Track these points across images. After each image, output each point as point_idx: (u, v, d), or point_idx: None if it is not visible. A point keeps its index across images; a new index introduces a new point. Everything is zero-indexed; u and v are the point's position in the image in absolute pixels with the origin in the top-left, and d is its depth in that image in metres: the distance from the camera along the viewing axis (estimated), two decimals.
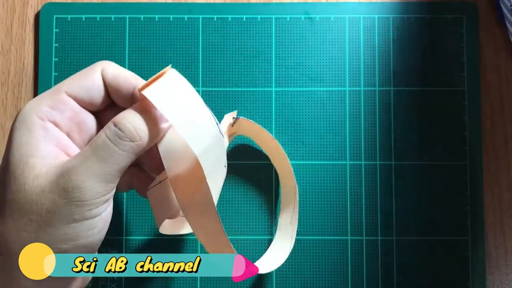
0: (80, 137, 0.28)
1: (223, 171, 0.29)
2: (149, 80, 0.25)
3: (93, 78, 0.27)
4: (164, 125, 0.26)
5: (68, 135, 0.27)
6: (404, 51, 0.38)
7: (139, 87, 0.25)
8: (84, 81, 0.27)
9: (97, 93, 0.27)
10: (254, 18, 0.38)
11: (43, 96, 0.27)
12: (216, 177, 0.28)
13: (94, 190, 0.24)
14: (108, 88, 0.28)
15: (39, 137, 0.25)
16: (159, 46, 0.38)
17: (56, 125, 0.26)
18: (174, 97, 0.26)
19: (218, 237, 0.27)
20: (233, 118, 0.35)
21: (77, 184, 0.24)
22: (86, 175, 0.24)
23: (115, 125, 0.25)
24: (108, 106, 0.29)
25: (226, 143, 0.35)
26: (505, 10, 0.37)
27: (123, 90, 0.27)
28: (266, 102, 0.38)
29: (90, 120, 0.28)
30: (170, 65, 0.27)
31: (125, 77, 0.27)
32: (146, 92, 0.25)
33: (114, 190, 0.26)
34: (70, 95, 0.27)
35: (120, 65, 0.38)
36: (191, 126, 0.25)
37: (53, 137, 0.26)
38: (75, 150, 0.27)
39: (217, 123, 0.27)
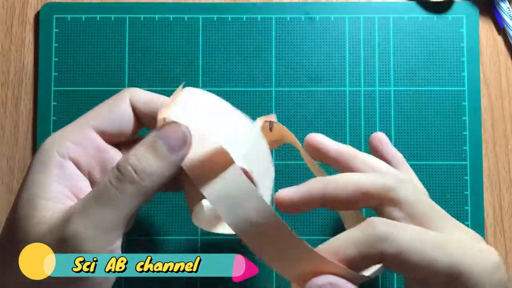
0: (102, 177, 0.25)
1: (272, 171, 0.27)
2: (166, 103, 0.24)
3: (122, 108, 0.25)
4: (179, 156, 0.23)
5: (89, 175, 0.25)
6: (404, 51, 0.38)
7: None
8: (112, 112, 0.25)
9: (127, 124, 0.26)
10: (254, 18, 0.38)
11: (68, 129, 0.25)
12: (266, 179, 0.25)
13: (94, 241, 0.21)
14: (140, 116, 0.26)
15: (52, 176, 0.23)
16: (159, 46, 0.38)
17: (77, 163, 0.24)
18: (199, 107, 0.24)
19: (294, 250, 0.22)
20: (267, 121, 0.30)
21: (74, 234, 0.21)
22: (85, 223, 0.21)
23: (117, 166, 0.23)
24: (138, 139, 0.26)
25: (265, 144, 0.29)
26: (504, 16, 0.37)
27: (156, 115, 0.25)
28: (266, 102, 0.38)
29: (115, 158, 0.26)
30: (182, 84, 0.25)
31: (159, 102, 0.26)
32: (167, 113, 0.22)
33: (120, 239, 0.23)
34: (97, 130, 0.25)
35: (120, 65, 0.38)
36: (226, 132, 0.23)
37: (69, 177, 0.24)
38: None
39: (250, 121, 0.25)
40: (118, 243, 0.23)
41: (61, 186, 0.24)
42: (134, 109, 0.26)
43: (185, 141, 0.23)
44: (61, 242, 0.22)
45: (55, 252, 0.22)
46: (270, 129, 0.30)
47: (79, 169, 0.25)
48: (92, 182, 0.25)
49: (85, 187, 0.25)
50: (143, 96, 0.26)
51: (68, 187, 0.24)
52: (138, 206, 0.23)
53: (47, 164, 0.24)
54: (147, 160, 0.23)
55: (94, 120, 0.25)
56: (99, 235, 0.22)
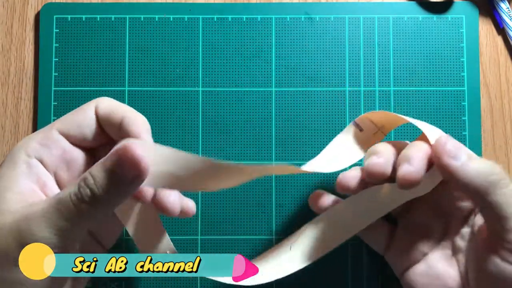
0: (67, 175, 0.28)
1: None
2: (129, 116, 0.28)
3: (85, 115, 0.28)
4: (132, 188, 0.24)
5: (55, 173, 0.28)
6: (404, 51, 0.38)
7: (127, 118, 0.27)
8: (76, 117, 0.28)
9: (89, 129, 0.28)
10: (254, 18, 0.38)
11: (36, 133, 0.28)
12: None
13: (49, 242, 0.23)
14: (101, 123, 0.28)
15: (20, 173, 0.26)
16: (159, 46, 0.38)
17: (43, 162, 0.27)
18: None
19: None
20: (355, 125, 0.33)
21: (31, 231, 0.23)
22: (43, 225, 0.23)
23: (78, 183, 0.24)
24: (106, 144, 0.29)
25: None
26: (504, 16, 0.37)
27: (113, 121, 0.27)
28: (266, 102, 0.38)
29: (80, 158, 0.28)
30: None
31: (115, 108, 0.28)
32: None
33: (75, 243, 0.25)
34: (61, 132, 0.28)
35: (120, 65, 0.38)
36: None
37: (36, 174, 0.26)
38: (54, 190, 0.27)
39: None
40: (74, 246, 0.25)
41: (28, 181, 0.26)
42: (97, 117, 0.28)
43: (139, 176, 0.24)
44: (19, 235, 0.24)
45: (10, 243, 0.24)
46: (360, 130, 0.33)
47: (45, 167, 0.27)
48: (58, 180, 0.28)
49: (51, 185, 0.27)
50: (106, 104, 0.28)
51: (35, 182, 0.26)
52: (97, 221, 0.25)
53: (16, 162, 0.26)
54: (103, 185, 0.24)
55: (59, 123, 0.28)
56: (54, 238, 0.24)
